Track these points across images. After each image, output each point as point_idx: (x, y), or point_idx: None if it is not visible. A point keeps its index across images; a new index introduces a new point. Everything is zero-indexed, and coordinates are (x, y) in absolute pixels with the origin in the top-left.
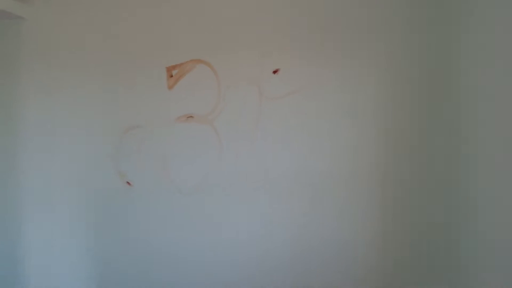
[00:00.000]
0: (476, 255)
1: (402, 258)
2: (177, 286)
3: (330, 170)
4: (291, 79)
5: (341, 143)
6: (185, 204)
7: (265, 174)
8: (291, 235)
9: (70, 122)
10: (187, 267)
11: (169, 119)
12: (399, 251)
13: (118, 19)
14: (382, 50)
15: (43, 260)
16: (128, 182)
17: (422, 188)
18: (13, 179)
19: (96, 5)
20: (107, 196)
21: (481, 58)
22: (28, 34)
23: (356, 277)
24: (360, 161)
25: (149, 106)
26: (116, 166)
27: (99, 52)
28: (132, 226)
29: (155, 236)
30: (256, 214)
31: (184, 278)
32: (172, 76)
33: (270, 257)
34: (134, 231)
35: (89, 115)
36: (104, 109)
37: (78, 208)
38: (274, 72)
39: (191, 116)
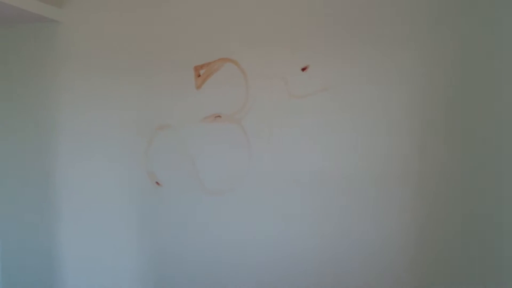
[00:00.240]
0: None
1: (437, 258)
2: (213, 286)
3: (360, 170)
4: (321, 77)
5: (372, 143)
6: (214, 204)
7: (294, 174)
8: (322, 236)
9: (102, 123)
10: (220, 267)
11: (197, 119)
12: (433, 252)
13: (148, 21)
14: (415, 47)
15: (79, 259)
16: (157, 182)
17: (457, 187)
18: (50, 180)
19: (127, 8)
20: (138, 196)
21: None
22: (61, 37)
23: (390, 279)
24: (391, 160)
25: (177, 106)
26: (146, 166)
27: (130, 54)
28: (162, 226)
29: (185, 237)
30: (287, 214)
31: (218, 277)
32: (199, 75)
33: (301, 258)
34: (165, 231)
35: (120, 116)
36: (134, 110)
37: (111, 207)
38: (303, 69)
39: (219, 116)
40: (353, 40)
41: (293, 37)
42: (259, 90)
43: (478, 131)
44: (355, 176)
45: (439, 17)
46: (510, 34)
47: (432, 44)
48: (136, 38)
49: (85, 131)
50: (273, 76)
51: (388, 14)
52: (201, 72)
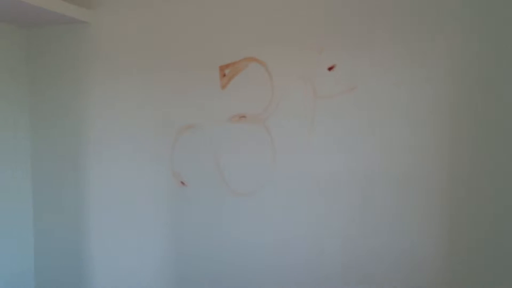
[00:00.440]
0: None
1: (467, 264)
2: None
3: (388, 171)
4: (348, 76)
5: (400, 144)
6: (239, 205)
7: (319, 175)
8: (347, 239)
9: (129, 123)
10: (242, 269)
11: (222, 119)
12: (462, 257)
13: (175, 21)
14: (446, 46)
15: (106, 258)
16: (182, 182)
17: (486, 189)
18: (79, 179)
19: (154, 8)
20: (163, 195)
21: None
22: (90, 38)
23: (417, 286)
24: (420, 162)
25: (203, 106)
26: (171, 166)
27: (156, 54)
28: (186, 225)
29: (207, 237)
30: (311, 216)
31: (241, 280)
32: (225, 75)
33: (325, 260)
34: (188, 230)
35: (146, 115)
36: (159, 110)
37: (137, 205)
38: (330, 68)
39: (243, 116)
40: (381, 38)
41: (320, 35)
42: (284, 90)
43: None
44: (382, 178)
45: (472, 12)
46: None
47: (464, 42)
48: (162, 38)
49: (113, 130)
50: (298, 75)
51: (419, 11)
52: (226, 71)
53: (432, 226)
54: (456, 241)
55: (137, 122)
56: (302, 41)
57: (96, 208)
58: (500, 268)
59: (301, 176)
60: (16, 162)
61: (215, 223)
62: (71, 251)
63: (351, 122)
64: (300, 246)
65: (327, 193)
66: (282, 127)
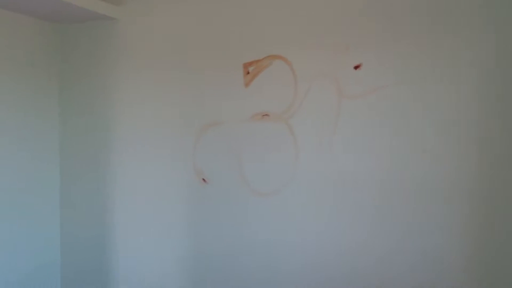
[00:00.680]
0: None
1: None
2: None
3: (417, 176)
4: (375, 75)
5: (430, 147)
6: (260, 204)
7: (343, 176)
8: (371, 239)
9: (153, 119)
10: (268, 267)
11: (244, 117)
12: (495, 269)
13: (201, 18)
14: (478, 45)
15: (129, 252)
16: (204, 179)
17: None
18: (106, 175)
19: (180, 5)
20: (184, 192)
21: None
22: (118, 34)
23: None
24: (452, 167)
25: (226, 104)
26: (193, 163)
27: (181, 51)
28: (209, 223)
29: (233, 235)
30: (332, 216)
31: (265, 278)
32: (248, 73)
33: (346, 261)
34: (212, 228)
35: (170, 112)
36: (184, 107)
37: (160, 201)
38: (356, 67)
39: (266, 115)
40: (412, 35)
41: (346, 32)
42: (308, 88)
43: None
44: (406, 179)
45: (505, 11)
46: None
47: (497, 41)
48: (188, 35)
49: (138, 127)
50: (323, 74)
51: (449, 8)
52: (250, 69)
53: (463, 233)
54: (482, 241)
55: (161, 118)
56: (327, 39)
57: (121, 203)
58: None
59: (324, 176)
60: (45, 156)
61: (235, 221)
62: (95, 245)
63: (376, 122)
64: (321, 246)
65: (350, 193)
66: (306, 126)
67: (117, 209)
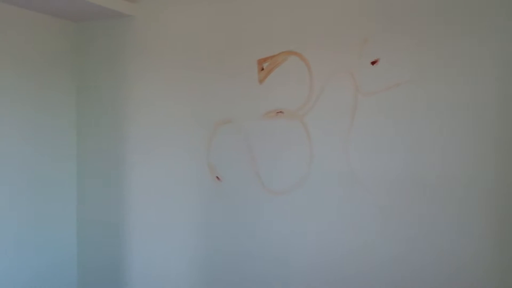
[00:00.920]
0: None
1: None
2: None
3: (437, 175)
4: (393, 71)
5: (451, 145)
6: (273, 202)
7: (359, 174)
8: (386, 238)
9: (168, 117)
10: (281, 266)
11: (258, 114)
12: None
13: (216, 14)
14: (499, 43)
15: (144, 250)
16: (217, 177)
17: None
18: (121, 174)
19: (195, 2)
20: (198, 189)
21: None
22: (134, 32)
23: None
24: (477, 165)
25: (240, 100)
26: (207, 161)
27: (196, 48)
28: (223, 221)
29: (246, 234)
30: (345, 215)
31: (278, 276)
32: (263, 69)
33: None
34: (226, 227)
35: (184, 109)
36: (198, 104)
37: (173, 198)
38: (373, 63)
39: (281, 111)
40: (431, 29)
41: (362, 27)
42: (324, 85)
43: None
44: (425, 178)
45: None
46: None
47: None
48: (202, 31)
49: (152, 125)
50: (339, 70)
51: (471, 4)
52: (265, 65)
53: (491, 236)
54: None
55: (175, 115)
56: (343, 33)
57: (136, 201)
58: None
59: (340, 176)
60: (63, 154)
61: (248, 220)
62: (111, 243)
63: (396, 121)
64: (336, 245)
65: (367, 192)
66: (321, 124)
67: (132, 208)
